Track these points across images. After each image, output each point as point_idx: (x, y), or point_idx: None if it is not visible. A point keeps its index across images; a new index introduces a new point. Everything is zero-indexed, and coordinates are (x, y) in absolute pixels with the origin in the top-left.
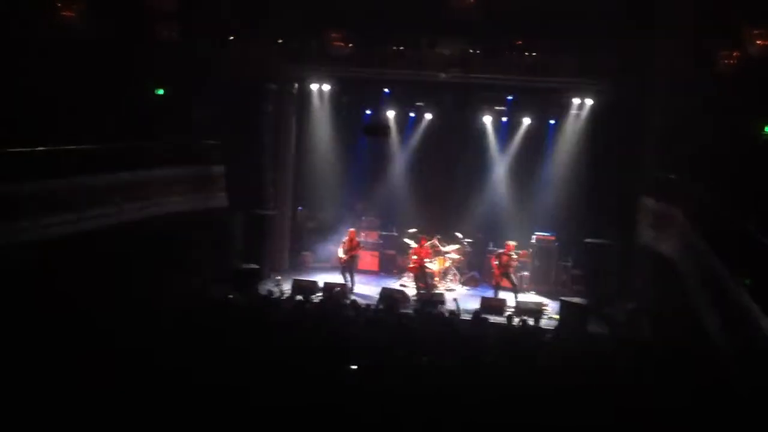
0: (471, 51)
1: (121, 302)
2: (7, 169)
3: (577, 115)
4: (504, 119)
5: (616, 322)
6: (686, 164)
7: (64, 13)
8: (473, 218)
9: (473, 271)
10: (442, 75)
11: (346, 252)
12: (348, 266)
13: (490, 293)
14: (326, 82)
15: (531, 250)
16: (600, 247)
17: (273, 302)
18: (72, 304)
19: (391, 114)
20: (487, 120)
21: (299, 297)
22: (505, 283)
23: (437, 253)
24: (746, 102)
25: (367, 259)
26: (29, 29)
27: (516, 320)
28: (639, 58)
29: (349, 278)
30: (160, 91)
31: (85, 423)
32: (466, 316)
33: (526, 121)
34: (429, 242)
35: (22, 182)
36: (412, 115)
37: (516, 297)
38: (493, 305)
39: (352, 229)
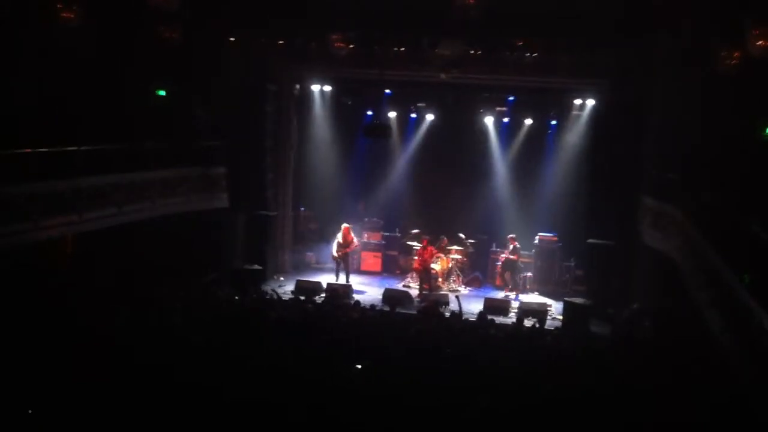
0: (471, 51)
1: (123, 303)
2: (9, 170)
3: (578, 116)
4: (505, 120)
5: (619, 322)
6: (686, 164)
7: (64, 15)
8: (475, 219)
9: (476, 271)
10: (443, 76)
11: (339, 248)
12: (342, 262)
13: (492, 294)
14: (327, 83)
15: (534, 250)
16: (602, 248)
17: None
18: (73, 304)
19: (392, 115)
20: (489, 121)
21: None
22: (500, 282)
23: (443, 253)
24: (747, 102)
25: (370, 260)
26: (31, 30)
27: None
28: (639, 58)
29: (343, 274)
30: (162, 92)
31: (85, 423)
32: (471, 317)
33: (528, 121)
34: (434, 243)
35: (24, 183)
36: (413, 116)
37: (516, 297)
38: (497, 306)
39: (346, 225)
